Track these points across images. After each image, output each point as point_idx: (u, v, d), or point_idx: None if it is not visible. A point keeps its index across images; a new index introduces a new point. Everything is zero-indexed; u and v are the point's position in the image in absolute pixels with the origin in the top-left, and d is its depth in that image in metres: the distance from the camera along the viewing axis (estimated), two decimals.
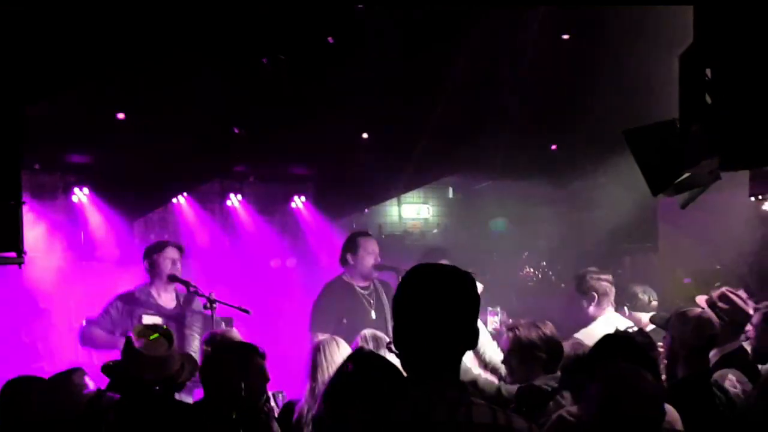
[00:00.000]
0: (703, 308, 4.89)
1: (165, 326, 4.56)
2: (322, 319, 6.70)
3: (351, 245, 7.06)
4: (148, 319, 6.24)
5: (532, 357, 4.52)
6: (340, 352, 4.69)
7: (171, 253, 6.60)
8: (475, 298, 2.51)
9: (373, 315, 6.80)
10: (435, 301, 2.43)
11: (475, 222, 11.56)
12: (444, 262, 7.88)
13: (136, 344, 4.16)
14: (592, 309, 6.15)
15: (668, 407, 3.67)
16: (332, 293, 6.97)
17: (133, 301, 6.46)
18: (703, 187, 4.27)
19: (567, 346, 4.63)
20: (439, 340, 2.42)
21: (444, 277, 2.49)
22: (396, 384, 2.55)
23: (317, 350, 4.75)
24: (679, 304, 5.14)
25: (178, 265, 6.60)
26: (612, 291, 6.20)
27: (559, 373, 4.41)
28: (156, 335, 4.21)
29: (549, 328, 4.57)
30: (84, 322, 6.52)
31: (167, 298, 6.62)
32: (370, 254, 6.99)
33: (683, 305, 5.02)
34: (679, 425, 3.70)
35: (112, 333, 6.34)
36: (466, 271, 2.53)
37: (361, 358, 3.70)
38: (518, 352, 4.55)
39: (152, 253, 6.62)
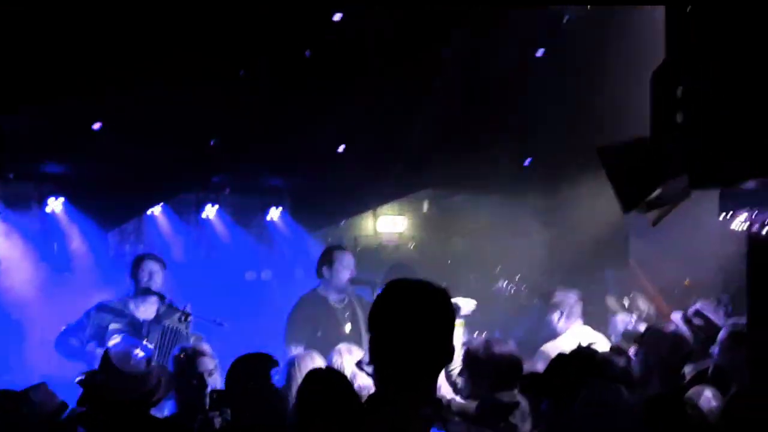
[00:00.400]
0: (676, 325, 4.94)
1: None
2: (296, 332, 6.72)
3: (326, 258, 7.08)
4: (114, 326, 6.28)
5: (481, 374, 4.55)
6: (315, 366, 4.69)
7: (149, 265, 6.62)
8: (452, 315, 2.51)
9: (348, 328, 6.82)
10: (412, 316, 2.43)
11: (449, 236, 11.59)
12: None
13: (114, 360, 4.14)
14: (560, 323, 6.29)
15: None
16: (307, 306, 6.98)
17: (108, 311, 6.47)
18: (674, 205, 4.32)
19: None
20: (416, 356, 2.41)
21: (422, 292, 2.49)
22: (362, 401, 2.54)
23: (291, 365, 4.75)
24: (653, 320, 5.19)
25: (156, 278, 6.59)
26: (579, 305, 6.36)
27: (516, 391, 4.42)
28: (136, 351, 4.20)
29: (507, 347, 4.60)
30: (63, 328, 6.53)
31: (146, 310, 6.60)
32: (345, 268, 7.01)
33: (656, 321, 5.07)
34: None
35: (82, 343, 6.33)
36: (441, 287, 2.52)
37: (318, 378, 3.71)
38: (469, 368, 4.58)
39: (133, 265, 6.69)
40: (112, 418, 3.98)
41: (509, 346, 4.67)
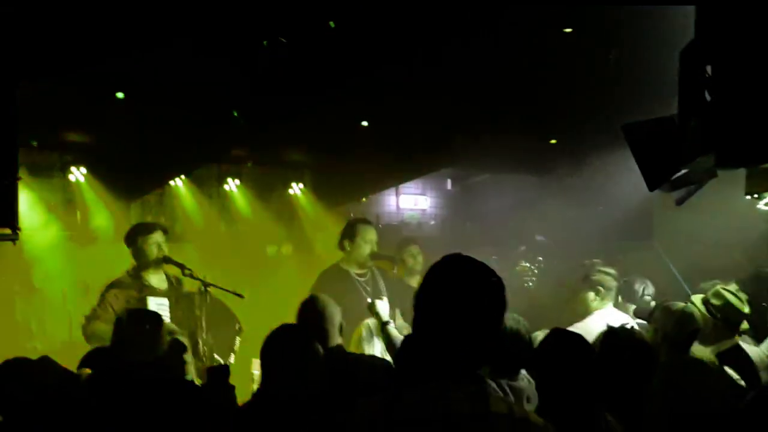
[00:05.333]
0: (686, 303, 4.89)
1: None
2: None
3: (349, 231, 7.07)
4: (156, 300, 6.22)
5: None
6: None
7: (157, 237, 6.48)
8: (503, 296, 2.49)
9: (369, 301, 6.81)
10: (468, 294, 2.41)
11: (472, 214, 11.56)
12: (416, 246, 7.89)
13: (125, 326, 4.16)
14: (594, 302, 6.04)
15: None
16: (328, 280, 6.96)
17: (127, 286, 6.32)
18: (700, 185, 4.27)
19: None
20: (467, 336, 2.40)
21: (478, 270, 2.48)
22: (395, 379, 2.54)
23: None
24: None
25: (164, 248, 6.47)
26: (614, 286, 6.12)
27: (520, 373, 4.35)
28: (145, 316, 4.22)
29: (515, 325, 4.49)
30: (84, 320, 6.29)
31: (158, 280, 6.50)
32: (367, 243, 7.00)
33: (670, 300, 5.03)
34: None
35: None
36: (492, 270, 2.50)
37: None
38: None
39: (137, 238, 6.49)
40: (120, 383, 3.97)
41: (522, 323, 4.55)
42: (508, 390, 4.00)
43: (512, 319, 4.16)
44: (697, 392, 4.06)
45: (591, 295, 6.06)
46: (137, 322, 4.27)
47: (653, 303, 6.18)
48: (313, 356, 3.93)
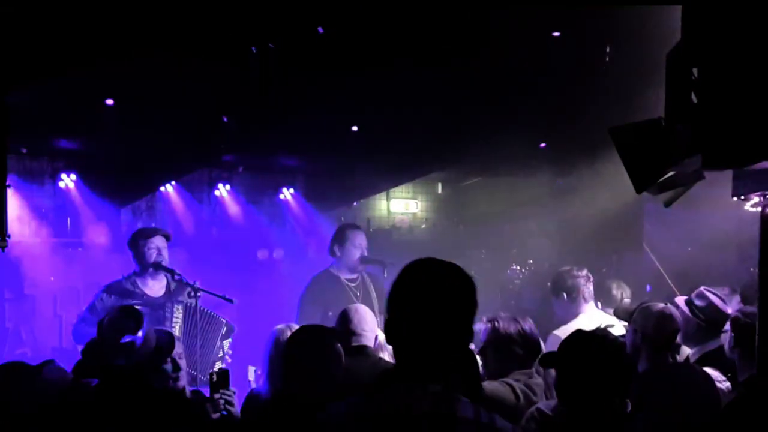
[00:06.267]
0: (666, 304, 4.90)
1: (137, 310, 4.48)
2: (308, 311, 6.72)
3: (339, 237, 7.10)
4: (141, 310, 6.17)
5: (508, 351, 4.50)
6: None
7: (158, 241, 6.43)
8: (475, 297, 2.47)
9: None
10: (438, 295, 2.40)
11: (463, 218, 11.59)
12: None
13: (104, 329, 4.15)
14: (569, 306, 6.10)
15: None
16: (319, 285, 6.99)
17: (120, 292, 6.28)
18: (687, 186, 4.29)
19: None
20: (437, 336, 2.40)
21: (447, 271, 2.46)
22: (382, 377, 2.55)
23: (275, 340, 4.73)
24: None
25: (164, 253, 6.43)
26: (587, 287, 6.13)
27: (533, 369, 4.40)
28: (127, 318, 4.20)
29: (528, 324, 4.55)
30: (76, 319, 6.30)
31: (156, 287, 6.46)
32: (356, 247, 7.03)
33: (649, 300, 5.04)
34: None
35: None
36: (458, 266, 2.50)
37: None
38: (495, 344, 4.52)
39: (138, 241, 6.45)
40: (110, 387, 3.96)
41: (532, 325, 4.62)
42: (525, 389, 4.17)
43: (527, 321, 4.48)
44: (683, 397, 4.08)
45: (559, 301, 6.16)
46: (119, 327, 4.23)
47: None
48: (335, 358, 3.95)
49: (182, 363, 4.50)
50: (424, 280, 2.44)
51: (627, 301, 6.49)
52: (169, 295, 6.49)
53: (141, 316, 4.30)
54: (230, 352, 6.42)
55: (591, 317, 6.01)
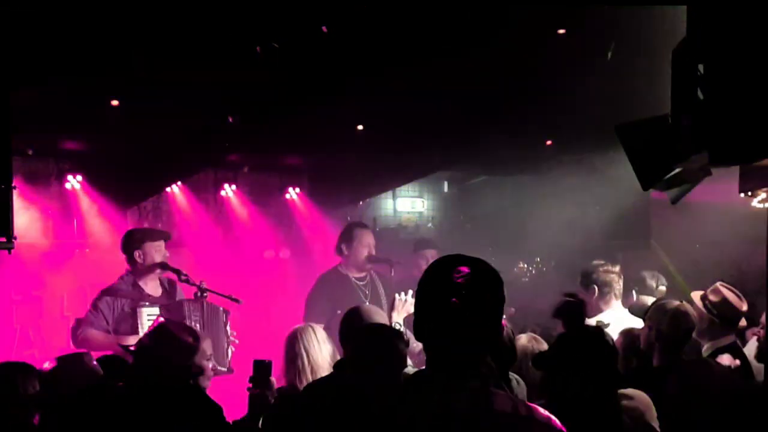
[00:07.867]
0: (682, 302, 4.89)
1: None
2: (316, 310, 6.70)
3: (347, 235, 7.10)
4: (147, 311, 6.15)
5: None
6: (317, 338, 4.71)
7: (159, 243, 6.43)
8: (503, 291, 2.48)
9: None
10: (469, 290, 2.38)
11: (469, 217, 11.57)
12: (433, 252, 7.89)
13: (170, 327, 4.15)
14: (598, 302, 5.94)
15: (640, 393, 3.72)
16: (327, 284, 6.99)
17: (120, 294, 6.26)
18: (694, 183, 4.28)
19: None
20: (470, 331, 2.39)
21: (476, 267, 2.45)
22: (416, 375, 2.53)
23: (296, 339, 4.73)
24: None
25: (166, 253, 6.43)
26: (619, 284, 5.99)
27: None
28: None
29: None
30: (75, 323, 6.26)
31: (153, 287, 6.44)
32: (364, 246, 7.03)
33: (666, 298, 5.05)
34: (652, 412, 3.72)
35: (108, 332, 6.13)
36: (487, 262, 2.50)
37: None
38: None
39: (134, 242, 6.42)
40: (158, 387, 3.90)
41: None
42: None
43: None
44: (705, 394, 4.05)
45: (590, 296, 5.97)
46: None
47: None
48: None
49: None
50: (454, 276, 2.41)
51: (662, 288, 6.46)
52: (168, 294, 6.48)
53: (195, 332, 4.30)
54: (234, 332, 6.37)
55: (615, 314, 5.89)
